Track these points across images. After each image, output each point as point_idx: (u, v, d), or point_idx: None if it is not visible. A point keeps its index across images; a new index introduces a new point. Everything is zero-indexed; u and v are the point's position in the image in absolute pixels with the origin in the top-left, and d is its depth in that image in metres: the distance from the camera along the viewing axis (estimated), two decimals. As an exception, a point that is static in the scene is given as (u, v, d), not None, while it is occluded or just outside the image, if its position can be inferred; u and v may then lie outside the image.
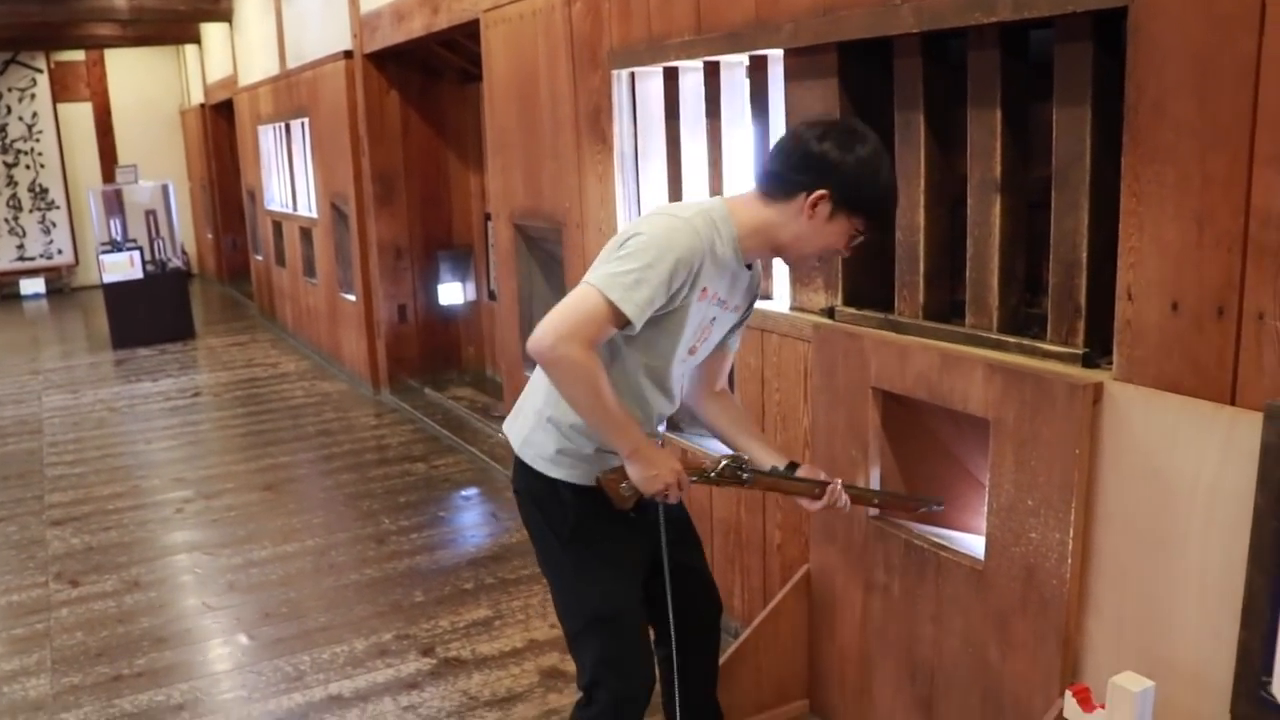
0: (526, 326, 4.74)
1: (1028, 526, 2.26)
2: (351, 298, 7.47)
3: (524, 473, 2.27)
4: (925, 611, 2.58)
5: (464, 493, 5.21)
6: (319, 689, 3.33)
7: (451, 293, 7.16)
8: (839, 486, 2.28)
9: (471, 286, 7.20)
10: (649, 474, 2.05)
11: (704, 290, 2.09)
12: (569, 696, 3.20)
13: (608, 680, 2.25)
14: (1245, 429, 1.90)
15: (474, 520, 4.87)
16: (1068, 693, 1.94)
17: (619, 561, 2.26)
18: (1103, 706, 1.90)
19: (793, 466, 2.31)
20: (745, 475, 2.21)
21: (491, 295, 6.59)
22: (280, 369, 8.33)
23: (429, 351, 7.23)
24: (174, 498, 5.28)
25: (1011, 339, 2.40)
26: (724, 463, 2.19)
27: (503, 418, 5.29)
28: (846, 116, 2.06)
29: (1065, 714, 1.96)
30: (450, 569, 4.24)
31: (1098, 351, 2.26)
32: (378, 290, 7.07)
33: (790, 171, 2.06)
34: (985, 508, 2.74)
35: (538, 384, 2.25)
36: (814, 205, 2.04)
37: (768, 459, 2.31)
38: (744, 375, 3.19)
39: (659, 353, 2.14)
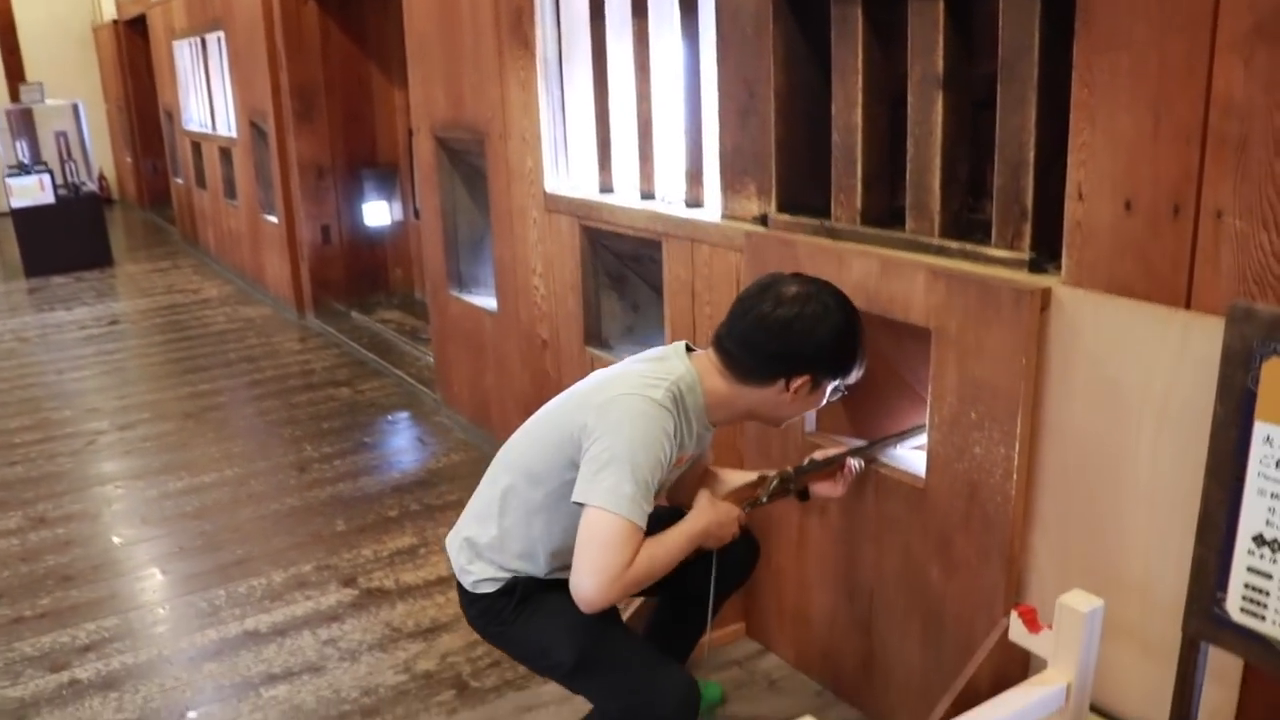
0: (451, 245, 4.54)
1: (971, 441, 2.15)
2: (273, 219, 7.18)
3: (466, 598, 2.15)
4: (864, 532, 2.48)
5: (390, 417, 5.03)
6: (234, 624, 3.17)
7: (377, 213, 6.89)
8: (848, 459, 2.26)
9: (398, 206, 6.94)
10: (716, 536, 2.03)
11: (677, 459, 2.00)
12: (497, 626, 3.08)
13: (634, 703, 2.02)
14: (1200, 334, 1.79)
15: (400, 445, 4.70)
16: (1013, 614, 1.85)
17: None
18: (1049, 627, 1.80)
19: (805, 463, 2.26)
20: (792, 486, 2.19)
21: (418, 214, 6.34)
22: (202, 295, 8.03)
23: (354, 274, 6.98)
24: (87, 429, 5.04)
25: (954, 244, 2.27)
26: (773, 484, 2.16)
27: (429, 340, 5.12)
28: (797, 278, 2.04)
29: (1010, 636, 1.87)
30: (374, 496, 4.08)
31: (1045, 257, 2.13)
32: (300, 211, 6.79)
33: (765, 364, 1.99)
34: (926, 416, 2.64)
35: (481, 516, 2.12)
36: (796, 390, 2.00)
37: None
38: (673, 289, 3.04)
39: None
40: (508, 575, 2.07)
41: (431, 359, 5.19)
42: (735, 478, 2.29)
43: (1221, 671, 1.84)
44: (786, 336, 1.95)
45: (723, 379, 2.02)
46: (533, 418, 2.16)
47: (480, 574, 2.08)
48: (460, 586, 2.16)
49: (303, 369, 5.88)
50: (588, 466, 1.87)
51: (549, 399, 3.87)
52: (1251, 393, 1.45)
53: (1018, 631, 1.85)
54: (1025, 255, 2.13)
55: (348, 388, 5.47)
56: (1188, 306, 1.82)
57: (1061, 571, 2.12)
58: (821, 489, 2.26)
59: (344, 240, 6.91)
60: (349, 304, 6.84)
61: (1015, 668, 2.23)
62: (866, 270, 2.29)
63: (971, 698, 2.18)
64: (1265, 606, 1.50)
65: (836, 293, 2.02)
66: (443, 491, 4.07)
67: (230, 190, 8.24)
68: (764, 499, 2.16)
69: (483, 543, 2.09)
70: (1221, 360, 1.48)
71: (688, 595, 2.38)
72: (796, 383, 1.98)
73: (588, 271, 3.51)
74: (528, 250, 3.80)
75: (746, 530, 2.38)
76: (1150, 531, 1.95)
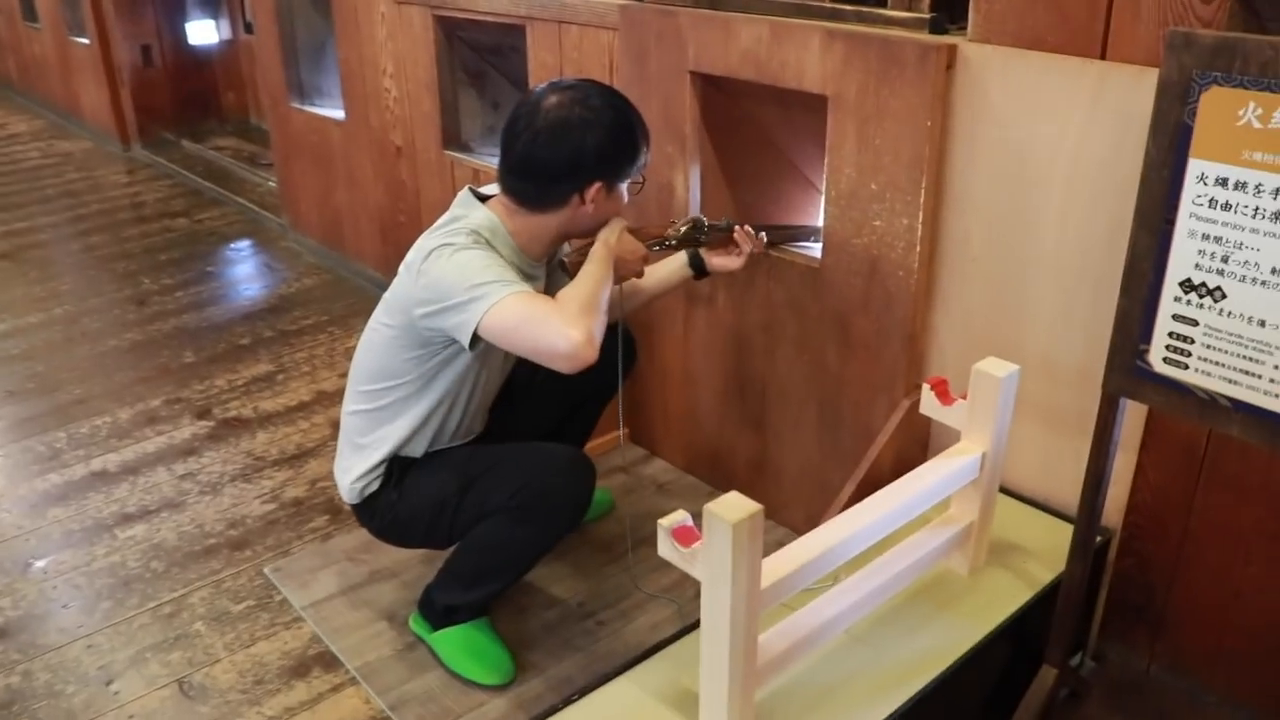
0: (289, 51, 4.15)
1: (870, 214, 2.04)
2: (84, 41, 6.51)
3: (360, 512, 2.13)
4: (755, 320, 2.37)
5: (233, 245, 4.68)
6: (80, 466, 2.91)
7: (203, 31, 6.32)
8: (754, 231, 2.12)
9: (225, 23, 6.37)
10: (624, 266, 1.92)
11: None
12: (369, 449, 2.91)
13: (523, 482, 1.93)
14: (1116, 85, 1.69)
15: (247, 273, 4.38)
16: (924, 386, 1.77)
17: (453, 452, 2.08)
18: (963, 397, 1.73)
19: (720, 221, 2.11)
20: (703, 237, 2.06)
21: (250, 29, 5.83)
22: (9, 130, 7.30)
23: (183, 99, 6.42)
24: (-115, 274, 4.55)
25: (848, 7, 2.10)
26: (684, 228, 2.05)
27: (270, 165, 4.75)
28: (554, 89, 1.86)
29: (921, 409, 1.79)
30: (223, 325, 3.79)
31: (945, 18, 1.99)
32: (114, 30, 6.15)
33: (552, 186, 1.86)
34: (816, 204, 2.53)
35: (359, 430, 2.06)
36: (593, 199, 1.87)
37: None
38: (540, 77, 2.80)
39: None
40: (384, 464, 2.03)
41: (274, 185, 4.83)
42: None
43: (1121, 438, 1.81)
44: (561, 150, 1.82)
45: (520, 216, 1.90)
46: (360, 342, 2.10)
47: (365, 480, 2.04)
48: (354, 508, 2.13)
49: (132, 202, 5.42)
50: (448, 318, 1.78)
51: (405, 211, 3.64)
52: (1188, 127, 1.35)
53: (929, 404, 1.78)
54: (925, 15, 1.99)
55: (184, 218, 5.07)
56: (1103, 57, 1.71)
57: (964, 348, 2.06)
58: (720, 262, 2.11)
59: (168, 63, 6.33)
60: (179, 133, 6.32)
61: (917, 450, 2.19)
62: (756, 37, 2.12)
63: (875, 482, 2.14)
64: (1189, 355, 1.44)
65: (601, 88, 1.89)
66: (297, 316, 3.82)
67: (29, 10, 7.43)
68: (673, 240, 2.04)
69: (364, 451, 2.04)
70: (1157, 94, 1.37)
71: (562, 410, 2.34)
72: (590, 192, 1.87)
73: (444, 69, 3.23)
74: (376, 49, 3.47)
75: (623, 327, 2.26)
76: (1056, 300, 1.89)
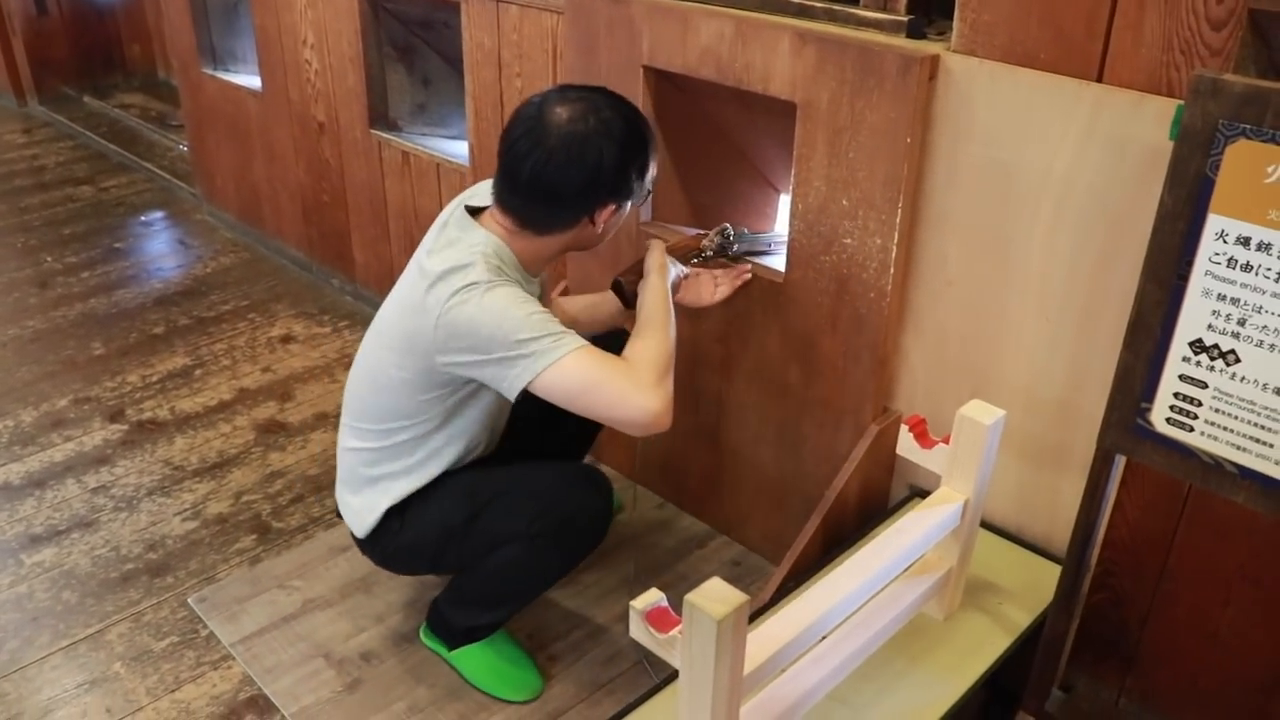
0: (199, 12, 3.87)
1: (841, 231, 1.91)
2: (-30, -16, 6.07)
3: (367, 546, 1.97)
4: (710, 332, 2.24)
5: (143, 218, 4.38)
6: (-22, 476, 2.70)
7: (102, -24, 5.92)
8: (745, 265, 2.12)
9: (127, -33, 5.98)
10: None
11: None
12: (293, 454, 2.74)
13: (541, 507, 1.82)
14: (1113, 111, 1.58)
15: (159, 250, 4.10)
16: (902, 427, 1.66)
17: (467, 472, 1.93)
18: (945, 441, 1.63)
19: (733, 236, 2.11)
20: (730, 248, 2.05)
21: (153, -23, 5.46)
22: (-107, 78, 6.82)
23: (84, 51, 6.00)
24: None
25: (819, 4, 1.95)
26: (716, 238, 2.04)
27: (182, 126, 4.46)
28: (562, 97, 1.70)
29: (899, 450, 1.69)
30: (134, 312, 3.54)
31: (923, 21, 1.86)
32: (2, -27, 5.73)
33: (562, 212, 1.73)
34: (776, 206, 2.41)
35: (368, 463, 1.90)
36: (604, 220, 1.76)
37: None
38: (476, 59, 2.61)
39: None
40: (389, 502, 1.89)
41: (185, 150, 4.54)
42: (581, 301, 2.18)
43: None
44: (576, 171, 1.67)
45: (522, 238, 1.76)
46: (358, 373, 1.92)
47: (373, 516, 1.90)
48: (358, 541, 1.98)
49: (31, 166, 5.06)
50: (486, 370, 1.66)
51: (329, 191, 3.42)
52: (1209, 180, 1.24)
53: (907, 446, 1.67)
54: (902, 16, 1.85)
55: (89, 186, 4.74)
56: (1100, 79, 1.59)
57: (937, 374, 1.96)
58: (688, 296, 2.03)
59: (65, 10, 5.90)
60: (80, 88, 5.92)
61: (884, 476, 2.10)
62: (718, 33, 1.96)
63: (841, 509, 2.04)
64: (1195, 418, 1.35)
65: (610, 97, 1.74)
66: (214, 301, 3.58)
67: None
68: (709, 253, 2.02)
69: (379, 484, 1.89)
70: (1177, 140, 1.25)
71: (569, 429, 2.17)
72: (602, 215, 1.75)
73: (370, 41, 3.01)
74: (295, 17, 3.23)
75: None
76: (1038, 330, 1.79)
